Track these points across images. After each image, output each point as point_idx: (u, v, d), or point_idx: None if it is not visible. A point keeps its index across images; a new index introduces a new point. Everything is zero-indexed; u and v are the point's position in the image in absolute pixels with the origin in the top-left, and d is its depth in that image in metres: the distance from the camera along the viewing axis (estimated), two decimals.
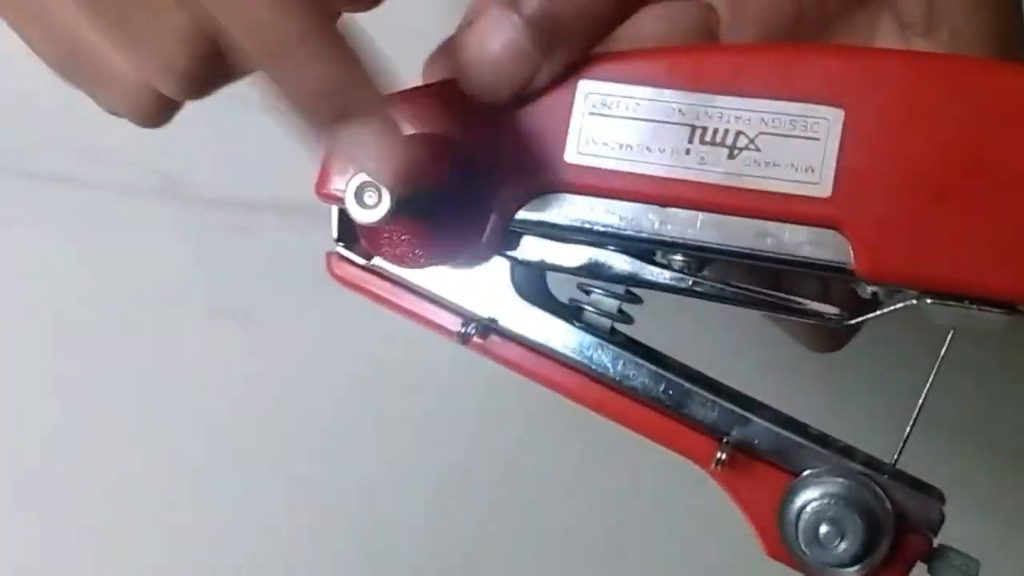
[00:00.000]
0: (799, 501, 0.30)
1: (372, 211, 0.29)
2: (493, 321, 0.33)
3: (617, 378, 0.33)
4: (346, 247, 0.35)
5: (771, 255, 0.31)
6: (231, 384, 0.56)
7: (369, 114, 0.29)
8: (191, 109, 0.32)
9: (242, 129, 0.48)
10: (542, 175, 0.32)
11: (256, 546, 0.57)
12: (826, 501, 0.30)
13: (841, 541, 0.30)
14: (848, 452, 0.31)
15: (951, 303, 0.29)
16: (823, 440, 0.32)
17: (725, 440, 0.31)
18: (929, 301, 0.29)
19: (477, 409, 0.56)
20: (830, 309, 0.32)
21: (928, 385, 0.31)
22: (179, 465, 0.57)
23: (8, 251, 0.56)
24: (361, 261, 0.34)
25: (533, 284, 0.34)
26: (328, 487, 0.57)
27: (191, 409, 0.56)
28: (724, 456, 0.31)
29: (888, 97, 0.29)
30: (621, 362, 0.33)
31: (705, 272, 0.32)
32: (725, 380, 0.34)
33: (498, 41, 0.31)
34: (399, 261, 0.33)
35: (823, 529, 0.30)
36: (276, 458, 0.57)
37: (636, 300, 0.34)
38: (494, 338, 0.33)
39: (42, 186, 0.53)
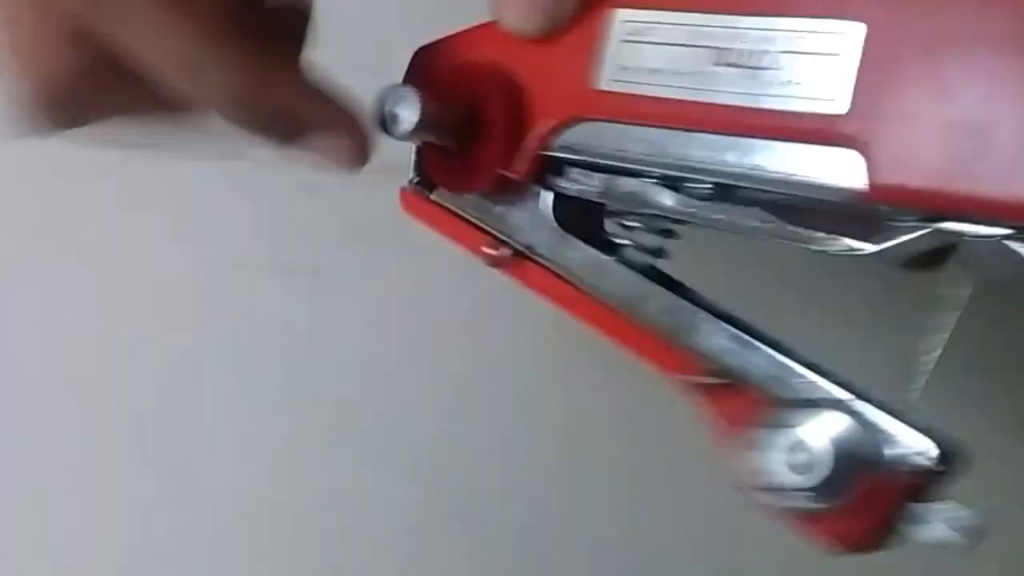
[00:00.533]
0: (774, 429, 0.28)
1: (398, 127, 0.33)
2: (530, 248, 0.34)
3: (629, 301, 0.32)
4: (419, 185, 0.36)
5: (787, 178, 0.29)
6: (300, 336, 0.59)
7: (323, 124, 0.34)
8: None
9: None
10: (574, 104, 0.32)
11: (325, 496, 0.58)
12: (797, 429, 0.27)
13: (809, 470, 0.27)
14: (845, 385, 0.29)
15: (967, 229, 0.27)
16: (817, 369, 0.29)
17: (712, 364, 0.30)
18: (944, 227, 0.27)
19: (540, 351, 0.56)
20: (855, 242, 0.30)
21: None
22: (256, 418, 0.59)
23: (87, 213, 0.60)
24: (426, 195, 0.36)
25: (578, 218, 0.34)
26: (393, 438, 0.58)
27: (262, 362, 0.59)
28: (710, 380, 0.29)
29: (912, 11, 0.27)
30: (637, 287, 0.32)
31: (731, 204, 0.31)
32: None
33: None
34: (450, 187, 0.35)
35: (794, 457, 0.27)
36: (347, 410, 0.58)
37: (672, 235, 0.33)
38: (524, 263, 0.34)
39: (120, 153, 0.57)
